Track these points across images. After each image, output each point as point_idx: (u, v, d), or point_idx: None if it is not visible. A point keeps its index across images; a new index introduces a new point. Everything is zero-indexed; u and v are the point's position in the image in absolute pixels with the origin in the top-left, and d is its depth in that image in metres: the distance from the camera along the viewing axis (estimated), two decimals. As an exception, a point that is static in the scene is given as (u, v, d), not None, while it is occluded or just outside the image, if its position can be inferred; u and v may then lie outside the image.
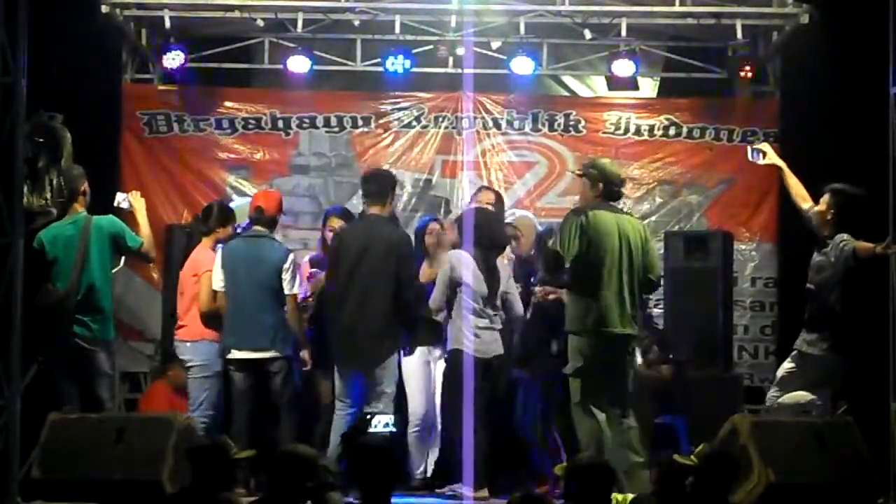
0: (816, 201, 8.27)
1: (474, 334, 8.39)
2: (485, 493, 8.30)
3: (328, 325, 8.62)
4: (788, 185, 8.40)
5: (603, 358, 7.71)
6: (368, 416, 6.53)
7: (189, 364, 8.80)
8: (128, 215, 8.46)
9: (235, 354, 8.62)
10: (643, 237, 7.87)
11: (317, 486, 6.07)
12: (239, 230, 8.95)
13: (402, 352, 8.75)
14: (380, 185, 8.64)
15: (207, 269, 8.73)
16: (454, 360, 8.44)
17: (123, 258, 8.41)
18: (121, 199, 8.52)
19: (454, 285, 8.44)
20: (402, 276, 8.40)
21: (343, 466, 6.46)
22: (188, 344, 8.80)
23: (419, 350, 8.95)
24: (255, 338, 8.58)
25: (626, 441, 7.71)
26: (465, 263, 8.44)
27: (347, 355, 8.47)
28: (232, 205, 9.73)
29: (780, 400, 8.13)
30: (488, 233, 8.54)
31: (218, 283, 8.67)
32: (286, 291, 8.58)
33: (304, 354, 8.74)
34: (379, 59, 11.32)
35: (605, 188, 7.85)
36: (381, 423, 6.66)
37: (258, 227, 8.73)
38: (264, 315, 8.58)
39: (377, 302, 8.37)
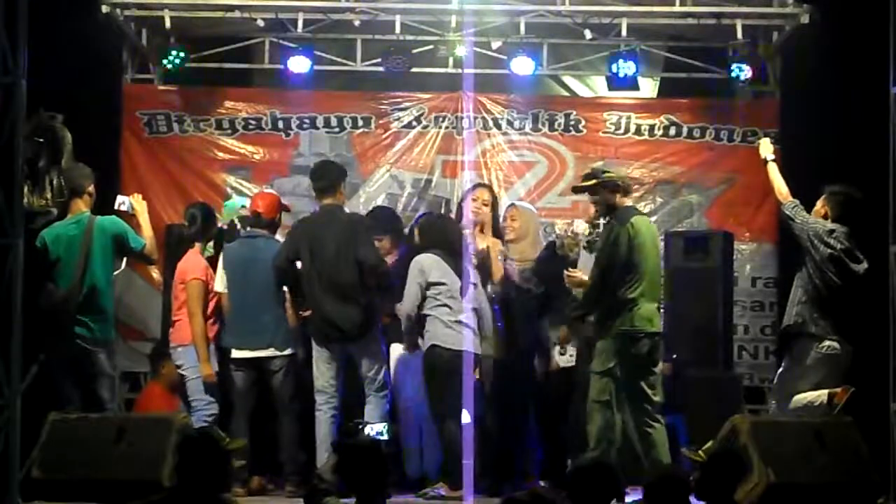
0: (815, 202, 8.31)
1: (447, 326, 8.46)
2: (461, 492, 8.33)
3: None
4: (771, 178, 8.49)
5: (634, 358, 7.81)
6: (360, 426, 6.47)
7: (183, 369, 8.81)
8: (129, 218, 8.46)
9: (236, 354, 8.67)
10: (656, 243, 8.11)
11: (312, 491, 6.05)
12: (242, 233, 8.98)
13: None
14: (329, 180, 8.78)
15: (194, 277, 8.73)
16: (433, 356, 8.47)
17: (125, 260, 8.41)
18: (122, 201, 8.52)
19: (424, 288, 8.51)
20: (360, 257, 8.45)
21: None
22: (180, 349, 8.83)
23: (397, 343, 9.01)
24: (255, 337, 8.61)
25: (651, 444, 7.79)
26: (436, 266, 8.54)
27: (325, 335, 8.51)
28: (227, 203, 9.74)
29: (796, 397, 8.13)
30: (457, 238, 8.73)
31: (220, 284, 8.71)
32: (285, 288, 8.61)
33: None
34: (379, 59, 11.33)
35: (624, 188, 8.03)
36: (374, 431, 6.59)
37: (256, 229, 8.76)
38: (264, 314, 8.62)
39: (342, 286, 8.44)
